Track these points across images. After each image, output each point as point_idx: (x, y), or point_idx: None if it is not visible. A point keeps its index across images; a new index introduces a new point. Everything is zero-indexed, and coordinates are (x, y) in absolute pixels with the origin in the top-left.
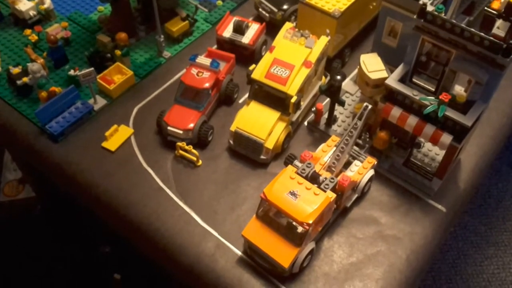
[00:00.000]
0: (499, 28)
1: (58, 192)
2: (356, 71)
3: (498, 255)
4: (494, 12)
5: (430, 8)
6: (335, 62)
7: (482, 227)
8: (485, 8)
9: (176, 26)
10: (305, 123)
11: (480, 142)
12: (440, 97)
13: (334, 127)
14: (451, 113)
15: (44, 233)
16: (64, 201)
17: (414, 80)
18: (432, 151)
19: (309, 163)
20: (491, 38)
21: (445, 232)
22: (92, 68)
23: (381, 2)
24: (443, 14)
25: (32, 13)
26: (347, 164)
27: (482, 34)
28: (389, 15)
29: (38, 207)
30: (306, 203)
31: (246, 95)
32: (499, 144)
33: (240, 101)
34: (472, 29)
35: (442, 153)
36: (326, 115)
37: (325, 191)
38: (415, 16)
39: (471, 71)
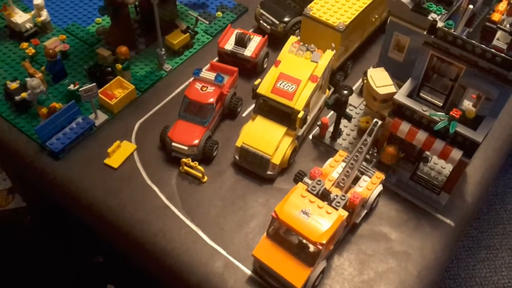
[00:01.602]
0: (499, 39)
1: (49, 202)
2: (359, 83)
3: (490, 259)
4: (494, 25)
5: (440, 24)
6: (338, 75)
7: (473, 231)
8: (486, 22)
9: (177, 39)
10: (310, 137)
11: (486, 155)
12: (451, 113)
13: (339, 140)
14: (461, 129)
15: (35, 244)
16: (55, 211)
17: (421, 94)
18: (438, 164)
19: (319, 180)
20: (503, 55)
21: (455, 246)
22: (94, 84)
23: (382, 14)
24: (452, 30)
25: (28, 25)
26: (356, 179)
27: (493, 51)
28: (396, 30)
29: (29, 217)
30: (319, 222)
31: (250, 109)
32: (503, 157)
33: (244, 114)
34: (484, 46)
35: (448, 166)
36: (331, 129)
37: (336, 209)
38: (425, 32)
39: (482, 88)
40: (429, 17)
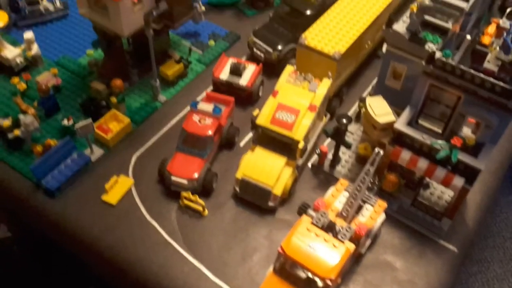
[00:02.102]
0: (489, 62)
1: (35, 232)
2: (354, 108)
3: (482, 272)
4: (485, 48)
5: (438, 54)
6: (334, 101)
7: None
8: (476, 45)
9: (171, 70)
10: (309, 165)
11: (484, 178)
12: (452, 141)
13: (339, 168)
14: (462, 157)
15: (21, 275)
16: (42, 242)
17: (420, 122)
18: (438, 190)
19: (324, 212)
20: (502, 84)
21: (459, 272)
22: (90, 120)
23: (374, 40)
24: (450, 59)
25: (19, 60)
26: (358, 208)
27: (493, 80)
28: (393, 59)
29: (14, 247)
30: (327, 256)
31: (247, 138)
32: (501, 179)
33: (241, 144)
34: (483, 75)
35: (448, 190)
36: (329, 156)
37: (343, 242)
38: (423, 62)
39: (481, 116)
40: (426, 47)
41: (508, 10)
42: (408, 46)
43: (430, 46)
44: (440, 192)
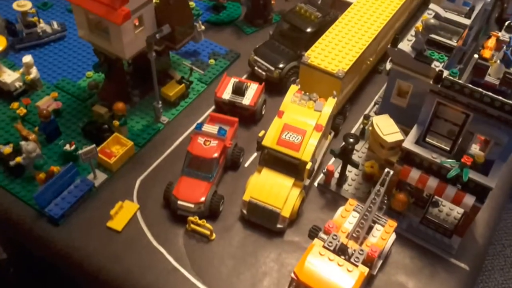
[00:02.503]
0: (490, 75)
1: (33, 254)
2: (358, 124)
3: (484, 281)
4: (486, 62)
5: (445, 73)
6: (338, 119)
7: None
8: (477, 60)
9: (173, 90)
10: (316, 184)
11: (492, 193)
12: (462, 160)
13: (345, 186)
14: (473, 175)
15: None
16: (40, 264)
17: (427, 139)
18: (446, 206)
19: (335, 235)
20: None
21: None
22: (93, 145)
23: (376, 56)
24: (457, 78)
25: (18, 84)
26: (368, 228)
27: (502, 99)
28: (399, 77)
29: (11, 270)
30: (341, 281)
31: (252, 158)
32: (507, 193)
33: (246, 164)
34: (491, 94)
35: (457, 207)
36: (336, 174)
37: (356, 265)
38: (431, 81)
39: (491, 134)
40: (433, 65)
41: (507, 23)
42: (414, 64)
43: (436, 65)
44: (448, 209)
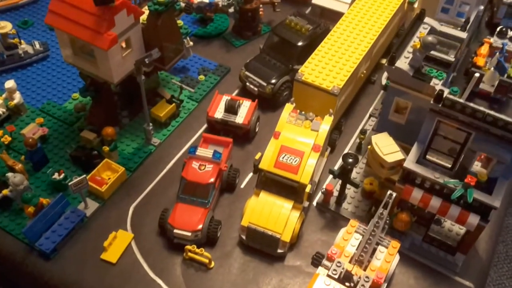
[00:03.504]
0: (484, 82)
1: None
2: (353, 139)
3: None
4: (479, 70)
5: (446, 92)
6: (333, 134)
7: None
8: (471, 67)
9: (163, 111)
10: (314, 203)
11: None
12: (466, 180)
13: (345, 205)
14: (477, 195)
15: None
16: None
17: (428, 157)
18: (447, 222)
19: (339, 262)
20: None
21: None
22: (84, 176)
23: (370, 66)
24: (457, 96)
25: (1, 110)
26: (372, 251)
27: (505, 117)
28: (397, 95)
29: None
30: None
31: (247, 179)
32: (507, 206)
33: (242, 186)
34: (493, 113)
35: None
36: (334, 192)
37: None
38: (431, 101)
39: (494, 153)
40: (432, 83)
41: (499, 28)
42: (412, 82)
43: (435, 83)
44: (450, 224)
